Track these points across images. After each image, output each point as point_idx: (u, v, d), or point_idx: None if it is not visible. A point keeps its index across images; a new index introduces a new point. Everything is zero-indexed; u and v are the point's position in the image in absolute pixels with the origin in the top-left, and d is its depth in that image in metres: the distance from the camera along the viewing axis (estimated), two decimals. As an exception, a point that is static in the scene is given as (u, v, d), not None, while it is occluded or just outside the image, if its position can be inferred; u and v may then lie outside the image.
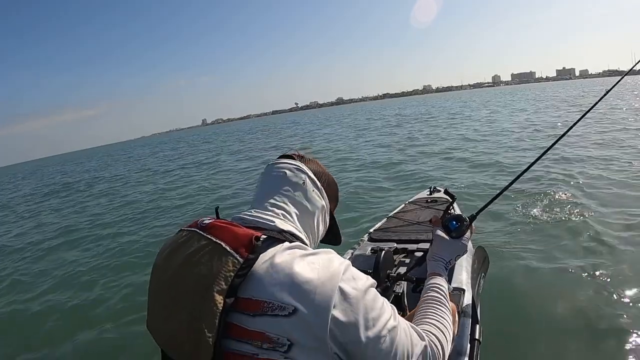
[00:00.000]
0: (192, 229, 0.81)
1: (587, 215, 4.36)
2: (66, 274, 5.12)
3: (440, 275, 1.08)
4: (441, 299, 1.00)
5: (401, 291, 1.71)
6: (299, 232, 0.90)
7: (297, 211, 0.92)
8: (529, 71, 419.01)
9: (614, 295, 2.82)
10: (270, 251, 0.75)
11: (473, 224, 1.21)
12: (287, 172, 0.96)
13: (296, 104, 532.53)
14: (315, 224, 0.97)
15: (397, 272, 1.72)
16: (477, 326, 1.63)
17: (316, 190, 0.96)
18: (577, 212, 4.51)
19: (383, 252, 1.61)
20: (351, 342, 0.71)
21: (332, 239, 1.08)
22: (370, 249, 2.31)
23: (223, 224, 0.79)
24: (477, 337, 1.59)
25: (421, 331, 0.85)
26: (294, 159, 1.00)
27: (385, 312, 0.76)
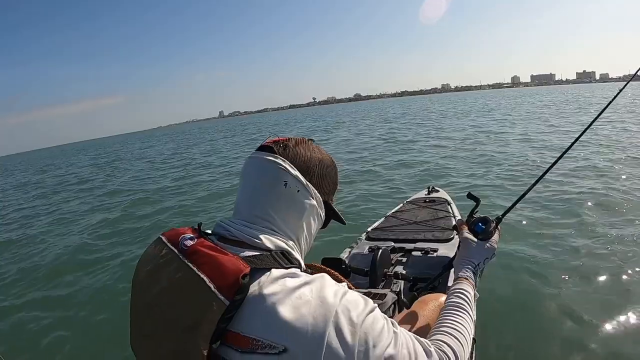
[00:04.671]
0: (173, 248, 0.76)
1: (596, 219, 4.35)
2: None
3: (467, 279, 1.04)
4: (463, 304, 0.96)
5: (398, 290, 1.69)
6: (289, 244, 0.83)
7: (283, 218, 0.83)
8: (548, 73, 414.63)
9: (614, 299, 2.83)
10: (258, 283, 0.69)
11: (499, 226, 1.16)
12: (266, 174, 0.84)
13: (314, 98, 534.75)
14: (306, 226, 0.87)
15: (394, 271, 1.78)
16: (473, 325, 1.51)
17: (302, 191, 0.84)
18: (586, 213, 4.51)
19: (380, 250, 1.65)
20: None
21: (335, 221, 0.98)
22: (367, 247, 2.34)
23: (206, 249, 0.73)
24: (472, 335, 1.47)
25: (430, 345, 0.79)
26: (274, 150, 0.86)
27: (383, 339, 0.70)
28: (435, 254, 2.26)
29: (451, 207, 3.07)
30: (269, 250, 0.77)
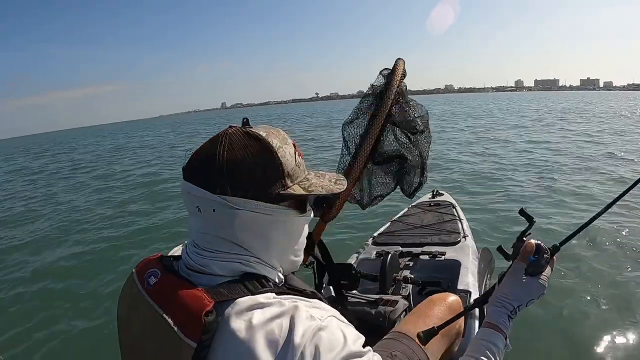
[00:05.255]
0: (140, 287, 0.70)
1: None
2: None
3: (498, 329, 0.83)
4: None
5: (407, 294, 1.70)
6: (251, 262, 0.71)
7: (225, 239, 0.70)
8: (552, 78, 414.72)
9: (618, 303, 2.84)
10: (224, 317, 0.62)
11: (555, 257, 0.90)
12: (185, 201, 0.72)
13: (316, 94, 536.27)
14: (258, 239, 0.71)
15: (403, 276, 1.79)
16: None
17: (220, 208, 0.68)
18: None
19: (389, 255, 1.64)
20: None
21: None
22: (375, 252, 2.35)
23: (170, 286, 0.67)
24: None
25: None
26: (183, 172, 0.72)
27: None
28: (443, 258, 2.24)
29: (456, 210, 3.05)
30: (231, 279, 0.68)
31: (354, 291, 1.68)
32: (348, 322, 0.69)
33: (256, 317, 0.61)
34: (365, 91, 1.56)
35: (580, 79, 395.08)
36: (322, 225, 1.56)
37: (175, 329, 0.61)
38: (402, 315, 1.59)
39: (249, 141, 0.70)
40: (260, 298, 0.64)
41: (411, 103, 1.49)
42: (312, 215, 0.82)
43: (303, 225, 0.79)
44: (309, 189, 0.74)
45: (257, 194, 0.69)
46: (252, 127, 0.73)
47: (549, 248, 0.89)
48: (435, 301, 1.26)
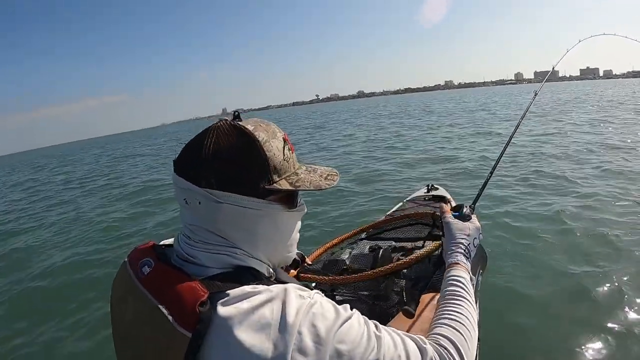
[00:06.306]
0: (133, 276, 0.71)
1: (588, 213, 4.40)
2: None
3: (459, 264, 0.96)
4: (460, 291, 0.88)
5: (400, 289, 1.69)
6: (238, 254, 0.72)
7: (213, 232, 0.71)
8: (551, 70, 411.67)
9: (614, 297, 2.83)
10: (218, 307, 0.61)
11: (476, 214, 1.12)
12: (183, 201, 0.72)
13: (317, 96, 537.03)
14: (244, 232, 0.72)
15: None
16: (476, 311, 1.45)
17: (205, 200, 0.69)
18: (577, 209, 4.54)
19: (381, 250, 1.63)
20: None
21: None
22: (368, 247, 2.27)
23: (164, 275, 0.67)
24: (477, 320, 1.42)
25: (425, 342, 0.72)
26: (177, 171, 0.72)
27: (362, 347, 0.63)
28: (436, 253, 2.13)
29: (451, 205, 2.83)
30: (225, 268, 0.70)
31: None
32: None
33: (246, 303, 0.62)
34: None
35: (580, 69, 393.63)
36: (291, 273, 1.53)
37: (170, 319, 0.62)
38: (395, 311, 1.58)
39: (235, 135, 0.70)
40: (251, 288, 0.64)
41: None
42: (304, 210, 0.83)
43: (293, 221, 0.80)
44: (296, 184, 0.74)
45: (242, 187, 0.69)
46: (241, 121, 0.73)
47: (467, 206, 1.16)
48: (425, 301, 1.24)
